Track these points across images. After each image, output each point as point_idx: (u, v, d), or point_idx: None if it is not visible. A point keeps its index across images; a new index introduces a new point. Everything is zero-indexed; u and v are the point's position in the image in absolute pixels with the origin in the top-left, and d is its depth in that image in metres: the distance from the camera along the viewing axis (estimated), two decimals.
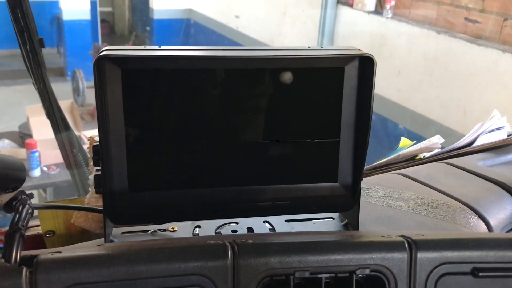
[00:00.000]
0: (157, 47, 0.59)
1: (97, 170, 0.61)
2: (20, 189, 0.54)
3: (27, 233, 0.96)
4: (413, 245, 0.51)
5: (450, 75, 3.52)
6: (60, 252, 0.46)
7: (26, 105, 4.82)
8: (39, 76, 1.23)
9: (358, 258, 0.49)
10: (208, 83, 0.60)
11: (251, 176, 0.64)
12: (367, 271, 0.49)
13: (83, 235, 0.88)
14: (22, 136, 4.01)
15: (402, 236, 0.52)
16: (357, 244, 0.51)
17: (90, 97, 5.90)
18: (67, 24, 6.97)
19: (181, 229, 0.68)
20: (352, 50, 0.61)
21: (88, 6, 7.00)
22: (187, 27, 7.62)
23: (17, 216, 0.48)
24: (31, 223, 1.06)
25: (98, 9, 7.54)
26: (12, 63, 7.27)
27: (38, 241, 0.90)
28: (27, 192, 0.53)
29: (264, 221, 0.71)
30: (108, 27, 8.80)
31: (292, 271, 0.48)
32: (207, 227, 0.69)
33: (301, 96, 0.62)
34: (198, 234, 0.68)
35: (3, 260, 0.44)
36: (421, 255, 0.51)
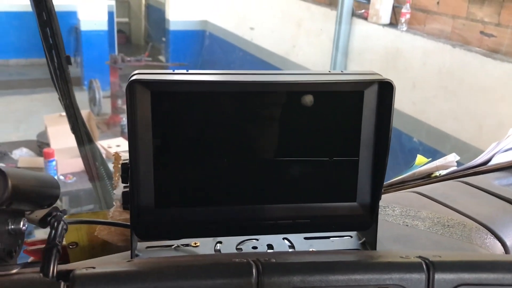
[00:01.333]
0: (184, 71, 0.62)
1: (125, 187, 0.64)
2: (53, 205, 0.57)
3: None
4: (431, 266, 0.53)
5: (465, 89, 3.52)
6: (94, 268, 0.48)
7: (43, 114, 4.91)
8: (66, 92, 1.27)
9: (377, 278, 0.51)
10: (231, 105, 0.63)
11: (272, 194, 0.66)
12: None
13: (104, 247, 0.91)
14: (40, 145, 4.08)
15: (420, 257, 0.54)
16: (376, 264, 0.52)
17: (106, 107, 5.98)
18: (85, 34, 7.09)
19: (203, 245, 0.71)
20: (372, 75, 0.64)
21: (105, 17, 7.11)
22: (202, 38, 7.70)
23: (53, 232, 0.50)
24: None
25: (115, 19, 7.66)
26: (30, 72, 7.40)
27: (61, 252, 0.93)
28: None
29: (284, 238, 0.73)
30: (125, 38, 8.93)
31: None
32: (228, 243, 0.71)
33: (322, 118, 0.65)
34: (219, 250, 0.70)
35: (41, 274, 0.47)
36: (438, 276, 0.52)
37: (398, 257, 0.54)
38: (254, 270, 0.50)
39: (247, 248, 0.71)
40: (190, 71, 0.62)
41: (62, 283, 0.47)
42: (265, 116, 0.64)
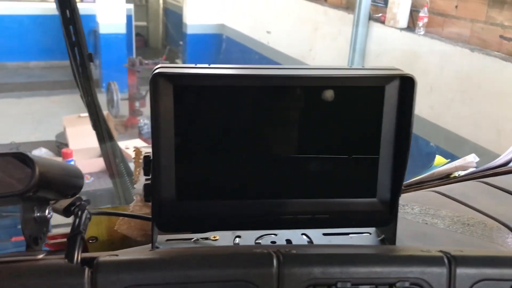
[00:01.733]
0: (207, 65, 0.62)
1: (146, 180, 0.65)
2: (77, 195, 0.58)
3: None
4: (453, 261, 0.53)
5: (484, 93, 3.48)
6: (117, 255, 0.49)
7: (62, 115, 4.98)
8: (87, 90, 1.29)
9: (398, 271, 0.51)
10: (253, 99, 0.63)
11: (292, 189, 0.67)
12: (406, 284, 0.51)
13: (124, 242, 0.92)
14: (59, 145, 4.14)
15: (441, 251, 0.54)
16: (397, 257, 0.52)
17: (123, 109, 6.04)
18: (103, 37, 7.18)
19: (222, 239, 0.71)
20: (393, 70, 0.64)
21: (124, 21, 7.19)
22: (219, 42, 7.74)
23: (77, 220, 0.52)
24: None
25: (134, 23, 7.74)
26: (49, 74, 7.52)
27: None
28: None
29: (302, 234, 0.73)
30: (143, 41, 9.02)
31: (334, 281, 0.50)
32: (247, 238, 0.72)
33: (342, 113, 0.65)
34: (238, 244, 0.70)
35: (66, 260, 0.48)
36: (460, 270, 0.52)
37: (419, 251, 0.53)
38: (275, 261, 0.50)
39: (265, 242, 0.71)
40: (212, 65, 0.62)
41: (87, 269, 0.47)
42: (286, 111, 0.64)
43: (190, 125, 0.63)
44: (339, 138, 0.66)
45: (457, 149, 3.60)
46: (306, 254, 0.52)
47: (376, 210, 0.67)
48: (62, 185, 0.54)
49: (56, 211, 0.56)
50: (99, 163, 3.46)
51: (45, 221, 0.53)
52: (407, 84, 0.62)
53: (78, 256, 0.48)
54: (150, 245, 0.70)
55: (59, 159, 3.71)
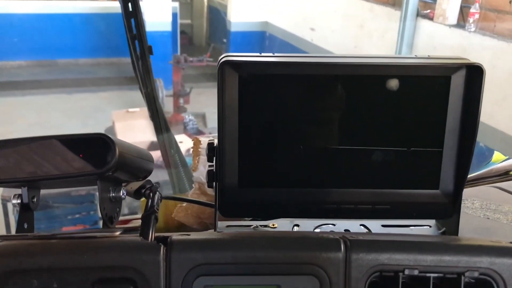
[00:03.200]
0: (271, 54, 0.63)
1: (209, 166, 0.67)
2: (147, 179, 0.60)
3: (129, 226, 1.04)
4: None
5: None
6: (189, 235, 0.51)
7: (109, 111, 5.12)
8: (146, 81, 1.32)
9: (467, 261, 0.50)
10: (316, 88, 0.64)
11: (353, 179, 0.67)
12: (476, 274, 0.50)
13: (179, 230, 0.94)
14: None
15: None
16: (466, 247, 0.52)
17: (168, 105, 6.15)
18: (149, 35, 7.27)
19: (281, 227, 0.72)
20: (459, 59, 0.63)
21: (169, 18, 7.32)
22: (263, 40, 7.76)
23: (150, 201, 0.54)
24: (129, 216, 1.15)
25: (179, 21, 7.86)
26: (97, 71, 7.75)
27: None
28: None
29: (361, 225, 0.73)
30: (187, 39, 9.15)
31: (402, 268, 0.50)
32: (305, 227, 0.72)
33: (406, 103, 0.64)
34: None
35: (141, 238, 0.50)
36: None
37: (489, 242, 0.53)
38: (342, 246, 0.51)
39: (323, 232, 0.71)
40: (276, 54, 0.63)
41: (162, 246, 0.49)
42: (349, 100, 0.65)
43: (254, 114, 0.64)
44: (402, 130, 0.65)
45: (509, 151, 3.48)
46: (373, 240, 0.52)
47: (439, 202, 0.66)
48: (137, 167, 0.56)
49: (127, 193, 0.58)
50: None
51: (119, 201, 0.56)
52: (474, 74, 0.61)
53: (152, 234, 0.50)
54: (209, 232, 0.72)
55: None
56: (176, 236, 0.51)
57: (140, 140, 3.80)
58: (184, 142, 4.17)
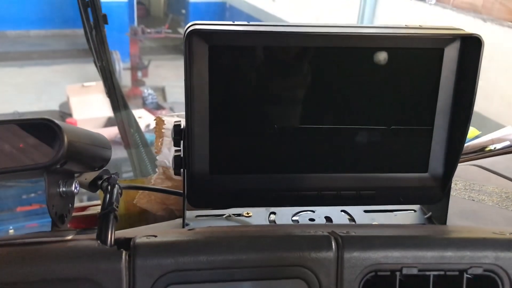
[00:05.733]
0: (245, 22, 0.55)
1: (176, 151, 0.59)
2: (104, 168, 0.52)
3: (86, 213, 0.96)
4: None
5: (495, 66, 3.39)
6: (155, 236, 0.43)
7: (64, 85, 4.90)
8: (101, 54, 1.21)
9: (471, 256, 0.45)
10: (295, 61, 0.57)
11: (335, 163, 0.61)
12: (479, 271, 0.45)
13: (142, 217, 0.87)
14: (62, 115, 4.07)
15: None
16: (470, 240, 0.46)
17: (126, 79, 5.95)
18: (104, 6, 7.00)
19: (256, 215, 0.66)
20: (453, 30, 0.57)
21: None
22: (223, 11, 7.57)
23: (108, 196, 0.46)
24: (86, 203, 1.06)
25: None
26: (51, 43, 7.39)
27: (94, 221, 0.89)
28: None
29: (342, 211, 0.68)
30: (144, 9, 8.83)
31: (399, 267, 0.45)
32: (283, 214, 0.66)
33: (393, 78, 0.58)
34: (274, 221, 0.65)
35: (98, 242, 0.42)
36: None
37: (491, 233, 0.48)
38: (333, 244, 0.45)
39: (303, 220, 0.66)
40: (251, 23, 0.55)
41: (124, 252, 0.42)
42: (331, 75, 0.58)
43: (226, 91, 0.56)
44: (389, 107, 0.59)
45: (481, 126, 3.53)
46: (366, 236, 0.46)
47: (427, 186, 0.61)
48: (91, 156, 0.48)
49: (81, 185, 0.50)
50: (104, 133, 3.41)
51: (71, 196, 0.47)
52: (470, 46, 0.55)
53: (112, 236, 0.42)
54: (179, 222, 0.65)
55: None
56: (140, 238, 0.43)
57: (97, 115, 3.64)
58: (144, 117, 4.04)
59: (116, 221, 0.44)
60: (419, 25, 0.58)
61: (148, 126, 3.14)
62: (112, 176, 0.49)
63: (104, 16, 1.15)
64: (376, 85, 0.58)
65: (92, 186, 0.50)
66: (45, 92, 5.50)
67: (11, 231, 2.59)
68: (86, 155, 0.47)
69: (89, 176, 0.51)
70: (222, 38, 0.54)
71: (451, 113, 0.59)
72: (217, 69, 0.55)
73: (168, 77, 5.94)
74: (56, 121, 0.41)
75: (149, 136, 2.04)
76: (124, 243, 0.43)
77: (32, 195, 3.24)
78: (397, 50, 0.57)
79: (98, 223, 0.43)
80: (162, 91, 5.87)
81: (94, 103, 3.58)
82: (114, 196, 0.46)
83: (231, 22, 0.55)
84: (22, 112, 4.19)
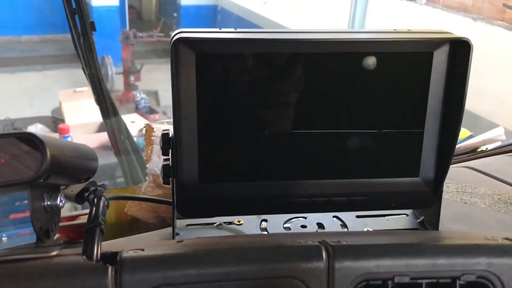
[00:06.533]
0: (232, 30, 0.55)
1: (165, 160, 0.58)
2: (90, 180, 0.51)
3: (76, 222, 0.95)
4: None
5: (486, 64, 3.41)
6: (142, 250, 0.43)
7: (56, 90, 4.86)
8: (89, 61, 1.20)
9: (463, 263, 0.44)
10: (283, 68, 0.56)
11: (326, 169, 0.60)
12: (472, 278, 0.44)
13: (133, 225, 0.86)
14: (55, 121, 4.04)
15: (507, 238, 0.48)
16: (462, 247, 0.46)
17: (118, 83, 5.92)
18: (96, 10, 6.98)
19: (248, 223, 0.65)
20: (442, 33, 0.56)
21: None
22: (214, 14, 7.56)
23: (94, 210, 0.45)
24: (76, 212, 1.05)
25: None
26: (42, 49, 7.35)
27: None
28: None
29: (334, 216, 0.67)
30: (136, 13, 8.81)
31: (391, 275, 0.44)
32: (274, 222, 0.66)
33: (383, 82, 0.58)
34: (266, 228, 0.64)
35: (84, 257, 0.41)
36: None
37: (484, 239, 0.47)
38: (324, 254, 0.44)
39: (295, 227, 0.65)
40: (238, 30, 0.55)
41: (110, 267, 0.41)
42: (320, 81, 0.57)
43: (214, 99, 0.56)
44: (379, 112, 0.59)
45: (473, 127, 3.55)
46: (358, 245, 0.45)
47: (419, 191, 0.61)
48: (76, 169, 0.47)
49: (67, 198, 0.49)
50: (97, 139, 3.38)
51: (57, 210, 0.47)
52: (459, 49, 0.55)
53: (98, 251, 0.41)
54: (169, 231, 0.64)
55: (56, 135, 3.62)
56: (127, 252, 0.42)
57: (89, 121, 3.62)
58: (137, 122, 4.02)
59: (102, 235, 0.43)
60: (408, 29, 0.57)
61: (141, 130, 3.13)
62: (99, 188, 0.49)
63: (92, 23, 1.14)
64: (365, 90, 0.58)
65: (79, 198, 0.49)
66: (37, 98, 5.47)
67: (4, 239, 2.56)
68: (71, 168, 0.46)
69: (76, 188, 0.50)
70: (209, 46, 0.53)
71: (442, 117, 0.58)
72: (205, 77, 0.54)
73: (161, 81, 5.92)
74: (39, 135, 0.40)
75: (142, 141, 2.02)
76: (111, 258, 0.42)
77: (25, 202, 3.21)
78: (386, 55, 0.57)
79: (84, 238, 0.42)
80: (155, 95, 5.84)
81: (87, 108, 3.56)
82: (100, 209, 0.45)
83: (218, 30, 0.54)
84: (14, 118, 4.15)
